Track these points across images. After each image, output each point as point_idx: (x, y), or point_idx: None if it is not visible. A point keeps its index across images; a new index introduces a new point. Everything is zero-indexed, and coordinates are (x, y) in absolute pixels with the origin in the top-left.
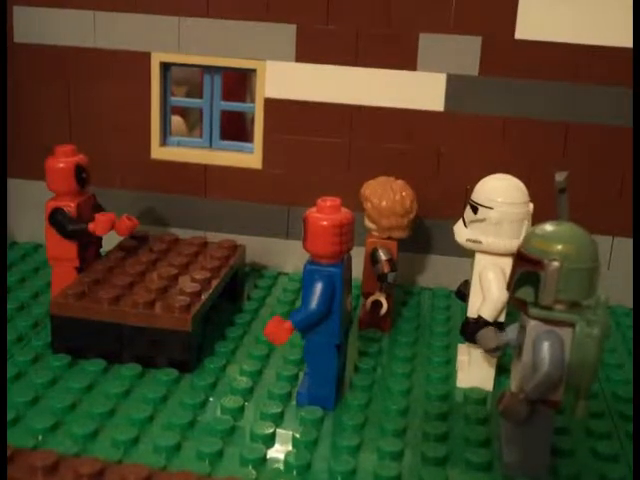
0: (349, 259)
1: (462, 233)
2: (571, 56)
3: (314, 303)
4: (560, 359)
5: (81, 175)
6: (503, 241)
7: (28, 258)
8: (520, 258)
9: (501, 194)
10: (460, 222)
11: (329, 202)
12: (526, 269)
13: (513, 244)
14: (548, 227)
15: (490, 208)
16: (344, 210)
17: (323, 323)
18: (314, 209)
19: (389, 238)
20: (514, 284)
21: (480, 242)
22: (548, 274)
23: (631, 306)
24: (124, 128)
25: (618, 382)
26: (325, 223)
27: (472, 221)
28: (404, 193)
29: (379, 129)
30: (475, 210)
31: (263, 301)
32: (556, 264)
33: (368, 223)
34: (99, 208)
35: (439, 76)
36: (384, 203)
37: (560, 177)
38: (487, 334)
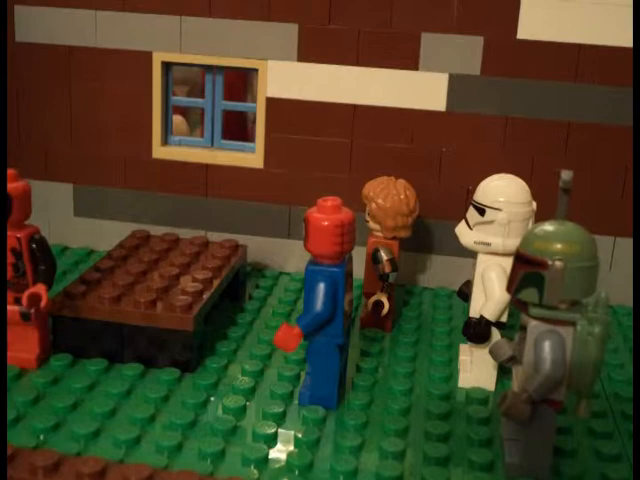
0: (350, 259)
1: (468, 236)
2: (572, 56)
3: (319, 305)
4: (561, 358)
5: None
6: (512, 241)
7: None
8: (521, 259)
9: (508, 195)
10: (463, 224)
11: (330, 202)
12: (528, 270)
13: None
14: (547, 227)
15: (498, 210)
16: (345, 210)
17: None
18: (314, 209)
19: (393, 238)
20: (516, 286)
21: (489, 244)
22: (553, 274)
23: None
24: (125, 127)
25: (619, 382)
26: (326, 223)
27: (479, 223)
28: (408, 192)
29: (381, 129)
30: (482, 212)
31: (265, 301)
32: (560, 264)
33: (372, 224)
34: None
35: (441, 76)
36: (389, 204)
37: (567, 176)
38: (498, 346)
